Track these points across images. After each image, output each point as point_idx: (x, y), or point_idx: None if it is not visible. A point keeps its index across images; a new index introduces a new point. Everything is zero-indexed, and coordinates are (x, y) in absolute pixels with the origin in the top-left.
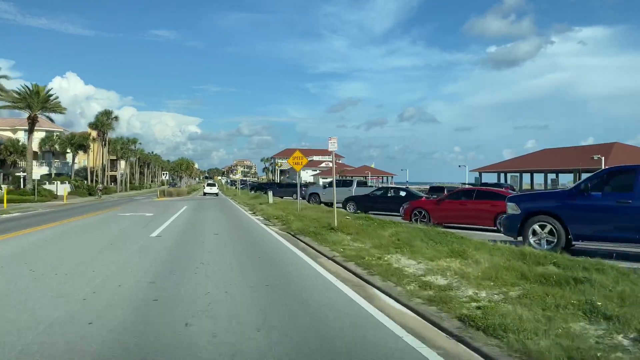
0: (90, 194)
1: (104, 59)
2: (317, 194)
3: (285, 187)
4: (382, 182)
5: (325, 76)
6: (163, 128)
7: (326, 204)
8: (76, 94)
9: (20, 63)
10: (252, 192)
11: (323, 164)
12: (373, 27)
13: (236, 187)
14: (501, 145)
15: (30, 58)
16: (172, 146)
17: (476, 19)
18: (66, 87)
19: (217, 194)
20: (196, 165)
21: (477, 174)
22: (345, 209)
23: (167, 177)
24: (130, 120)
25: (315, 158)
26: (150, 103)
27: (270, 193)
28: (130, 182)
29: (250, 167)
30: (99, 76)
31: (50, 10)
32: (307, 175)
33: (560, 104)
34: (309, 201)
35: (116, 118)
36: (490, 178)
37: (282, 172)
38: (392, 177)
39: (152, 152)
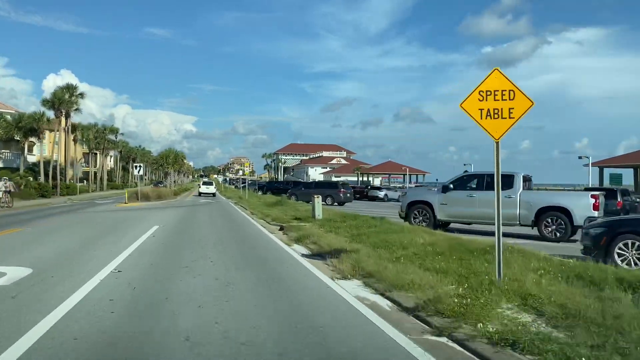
0: (43, 195)
1: (99, 57)
2: (429, 205)
3: (315, 187)
4: (415, 182)
5: (320, 76)
6: (158, 127)
7: (444, 225)
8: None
9: (15, 60)
10: (260, 192)
11: (334, 161)
12: (368, 27)
13: (236, 187)
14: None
15: (25, 55)
16: (168, 144)
17: (472, 19)
18: (60, 84)
19: (214, 194)
20: (191, 164)
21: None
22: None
23: (139, 172)
24: (126, 119)
25: (325, 154)
26: (145, 101)
27: (317, 201)
28: (111, 180)
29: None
30: (94, 74)
31: (44, 8)
32: (315, 174)
33: (555, 104)
34: (407, 218)
35: (82, 95)
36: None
37: (285, 169)
38: (423, 175)
39: (141, 147)
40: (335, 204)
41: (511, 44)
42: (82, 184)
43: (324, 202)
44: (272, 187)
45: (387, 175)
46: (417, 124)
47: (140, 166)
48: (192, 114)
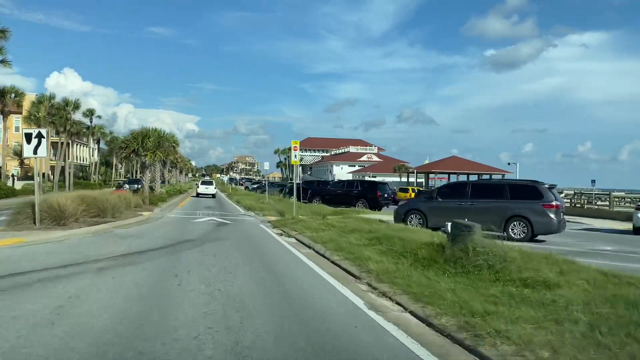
0: None
1: (102, 56)
2: None
3: (473, 195)
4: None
5: (322, 76)
6: (160, 125)
7: None
8: (73, 90)
9: (17, 58)
10: (292, 198)
11: (364, 157)
12: (370, 28)
13: (247, 188)
14: (499, 148)
15: (27, 53)
16: None
17: (476, 21)
18: (64, 83)
19: (214, 195)
20: (193, 163)
21: None
22: None
23: (36, 149)
24: (128, 117)
25: (352, 149)
26: (147, 100)
27: None
28: (85, 178)
29: (252, 164)
30: (96, 73)
31: (47, 6)
32: (342, 172)
33: (558, 107)
34: None
35: (3, 34)
36: None
37: (302, 167)
38: (502, 175)
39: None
40: (536, 237)
41: (515, 46)
42: (29, 182)
43: (503, 233)
44: (322, 192)
45: (448, 176)
46: (419, 126)
47: (40, 136)
48: (194, 113)
